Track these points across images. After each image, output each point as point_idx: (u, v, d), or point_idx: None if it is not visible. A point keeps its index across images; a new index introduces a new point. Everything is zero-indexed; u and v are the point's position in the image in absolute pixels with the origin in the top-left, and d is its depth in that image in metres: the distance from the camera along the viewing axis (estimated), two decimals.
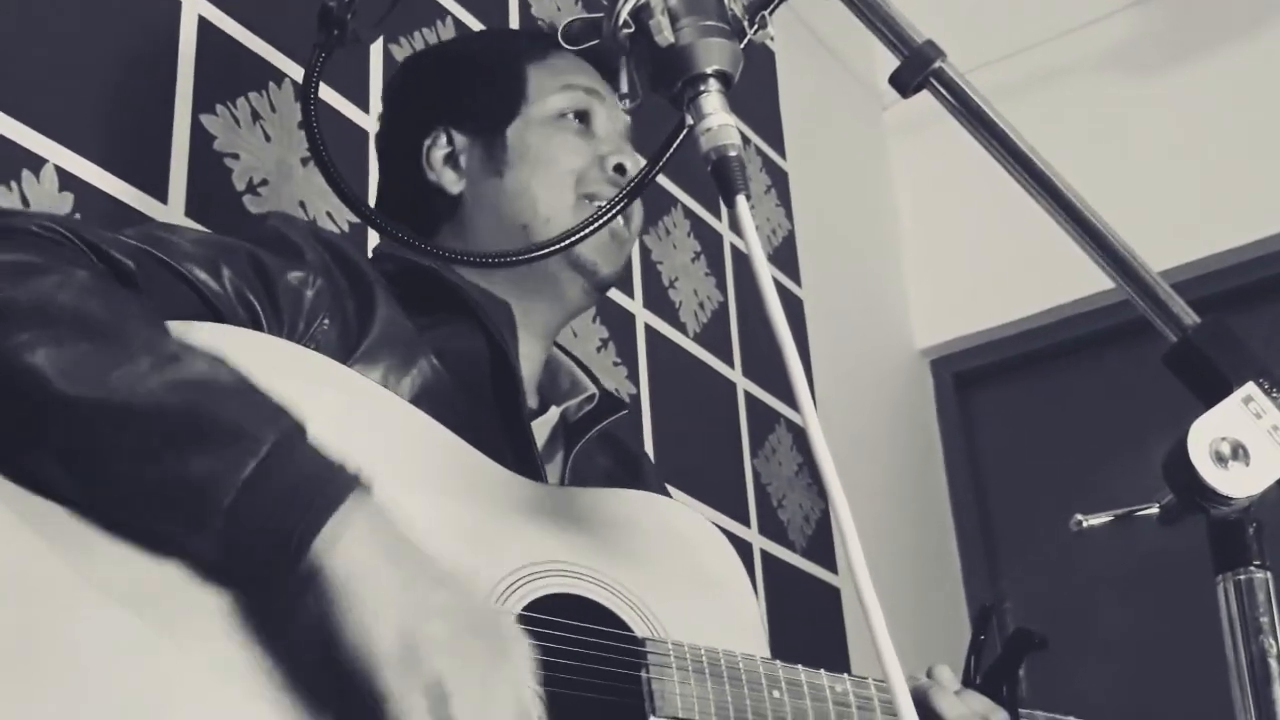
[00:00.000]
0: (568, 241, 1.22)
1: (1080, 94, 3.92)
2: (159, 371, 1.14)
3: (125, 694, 1.08)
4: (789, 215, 3.61)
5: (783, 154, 3.67)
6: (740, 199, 0.99)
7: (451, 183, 1.74)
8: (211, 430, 1.12)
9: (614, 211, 1.20)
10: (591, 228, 1.21)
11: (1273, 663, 0.97)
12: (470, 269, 1.65)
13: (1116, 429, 3.67)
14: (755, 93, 3.61)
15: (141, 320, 1.20)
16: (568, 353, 1.83)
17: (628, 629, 1.42)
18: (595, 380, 1.78)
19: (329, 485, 1.13)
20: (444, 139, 1.76)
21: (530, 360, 1.69)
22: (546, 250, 1.22)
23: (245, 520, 1.10)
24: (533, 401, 1.70)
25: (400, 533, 1.16)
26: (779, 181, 3.62)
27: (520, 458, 1.51)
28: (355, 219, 2.22)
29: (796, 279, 3.53)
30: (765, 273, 0.92)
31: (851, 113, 4.18)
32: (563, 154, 1.71)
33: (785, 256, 3.53)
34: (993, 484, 3.99)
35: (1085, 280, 3.63)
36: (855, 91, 4.18)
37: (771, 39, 1.10)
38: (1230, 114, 3.72)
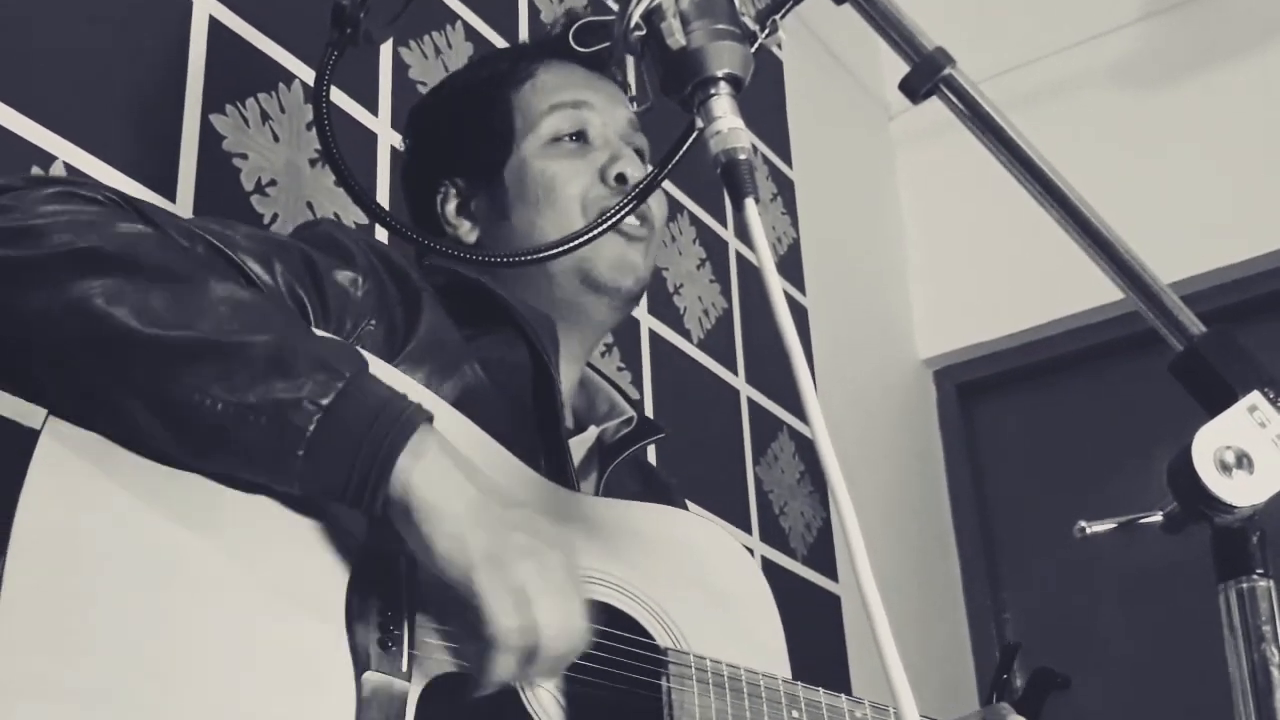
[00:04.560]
0: (570, 246, 1.23)
1: (1088, 107, 3.93)
2: (238, 312, 1.20)
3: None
4: (794, 224, 3.61)
5: (789, 163, 3.67)
6: (749, 202, 0.99)
7: (467, 232, 1.75)
8: (294, 362, 1.17)
9: (620, 215, 1.20)
10: (592, 234, 1.21)
11: (1275, 672, 0.97)
12: (511, 287, 1.66)
13: (1118, 441, 3.68)
14: (763, 101, 3.61)
15: (216, 270, 1.26)
16: (605, 376, 1.84)
17: (650, 638, 1.43)
18: (633, 403, 1.79)
19: (404, 413, 1.19)
20: (452, 191, 1.76)
21: (566, 380, 1.69)
22: (554, 252, 1.23)
23: (326, 448, 1.16)
24: (569, 422, 1.70)
25: (467, 459, 1.23)
26: (785, 190, 3.62)
27: (555, 468, 1.52)
28: (363, 220, 2.22)
29: (801, 288, 3.54)
30: (773, 273, 0.92)
31: (858, 123, 4.18)
32: (561, 180, 1.69)
33: (790, 265, 3.54)
34: (994, 495, 3.99)
35: (1089, 292, 3.66)
36: (862, 102, 4.19)
37: (780, 45, 1.11)
38: (1239, 128, 3.72)
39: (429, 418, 1.22)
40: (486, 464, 1.39)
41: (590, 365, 1.80)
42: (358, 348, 1.27)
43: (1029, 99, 3.87)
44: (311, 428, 1.15)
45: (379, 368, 1.36)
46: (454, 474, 1.20)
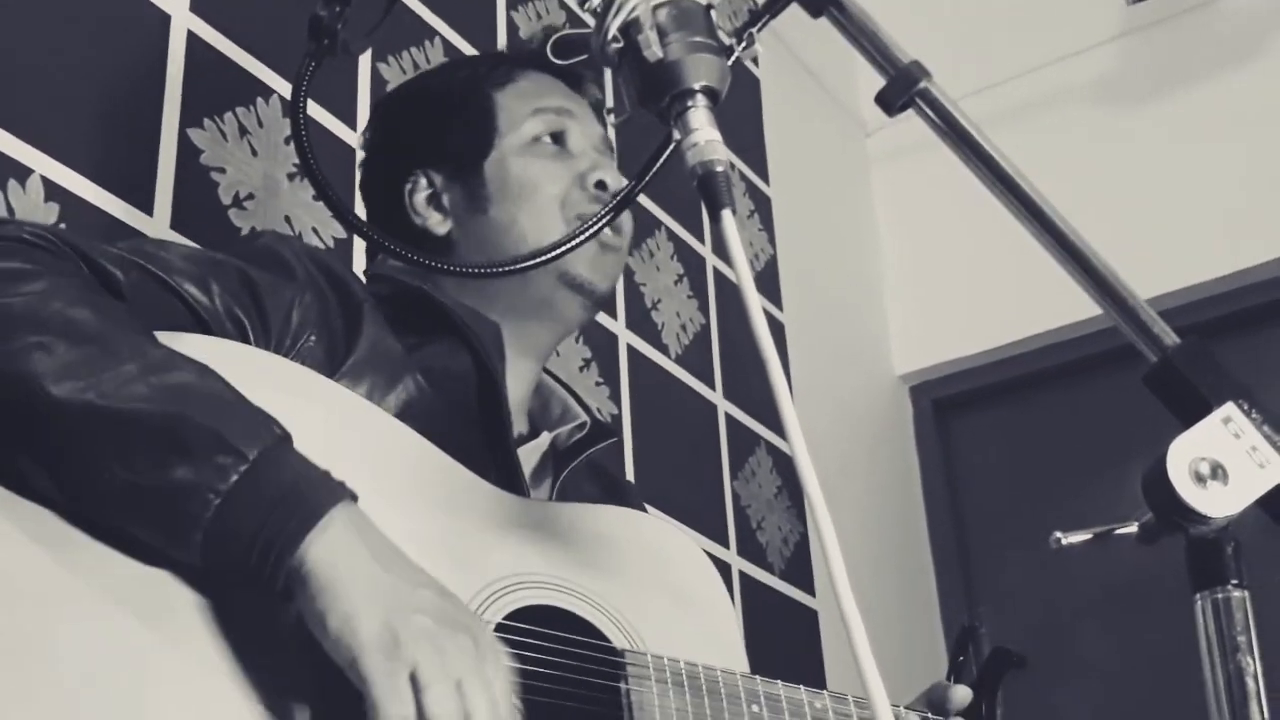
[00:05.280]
0: (553, 255, 1.22)
1: (1067, 123, 3.95)
2: (145, 377, 1.15)
3: (106, 694, 1.08)
4: (771, 240, 3.62)
5: (766, 179, 3.68)
6: (726, 213, 0.99)
7: (437, 224, 1.73)
8: (196, 441, 1.12)
9: (600, 225, 1.20)
10: (576, 241, 1.21)
11: (1250, 681, 0.98)
12: (465, 292, 1.66)
13: (1094, 456, 3.69)
14: (740, 118, 3.62)
15: (130, 328, 1.21)
16: (559, 380, 1.84)
17: (607, 641, 1.42)
18: (586, 408, 1.79)
19: (313, 496, 1.14)
20: (424, 181, 1.75)
21: (521, 382, 1.69)
22: (533, 262, 1.22)
23: (225, 533, 1.11)
24: (523, 426, 1.70)
25: (384, 539, 1.17)
26: (762, 206, 3.63)
27: (505, 475, 1.51)
28: (341, 235, 2.22)
29: (778, 303, 3.54)
30: (750, 284, 0.92)
31: (835, 140, 4.20)
32: (543, 180, 1.70)
33: (767, 281, 3.54)
34: (970, 510, 4.00)
35: (1064, 308, 3.68)
36: (839, 118, 4.20)
37: (756, 59, 1.11)
38: (1218, 144, 3.75)
39: (348, 496, 1.17)
40: (435, 478, 1.38)
41: (547, 370, 1.80)
42: (273, 418, 1.20)
43: (1007, 115, 3.89)
44: (209, 515, 1.11)
45: (321, 384, 1.35)
46: (357, 552, 1.14)
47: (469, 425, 1.54)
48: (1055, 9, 4.08)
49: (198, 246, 1.44)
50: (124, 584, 1.14)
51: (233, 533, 1.11)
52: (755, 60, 1.14)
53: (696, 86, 1.04)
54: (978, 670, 1.79)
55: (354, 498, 1.17)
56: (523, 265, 1.26)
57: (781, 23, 1.21)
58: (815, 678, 3.14)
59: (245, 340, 1.37)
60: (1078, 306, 3.73)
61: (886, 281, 4.19)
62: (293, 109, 1.22)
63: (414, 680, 1.10)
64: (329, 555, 1.12)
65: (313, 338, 1.43)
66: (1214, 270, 3.68)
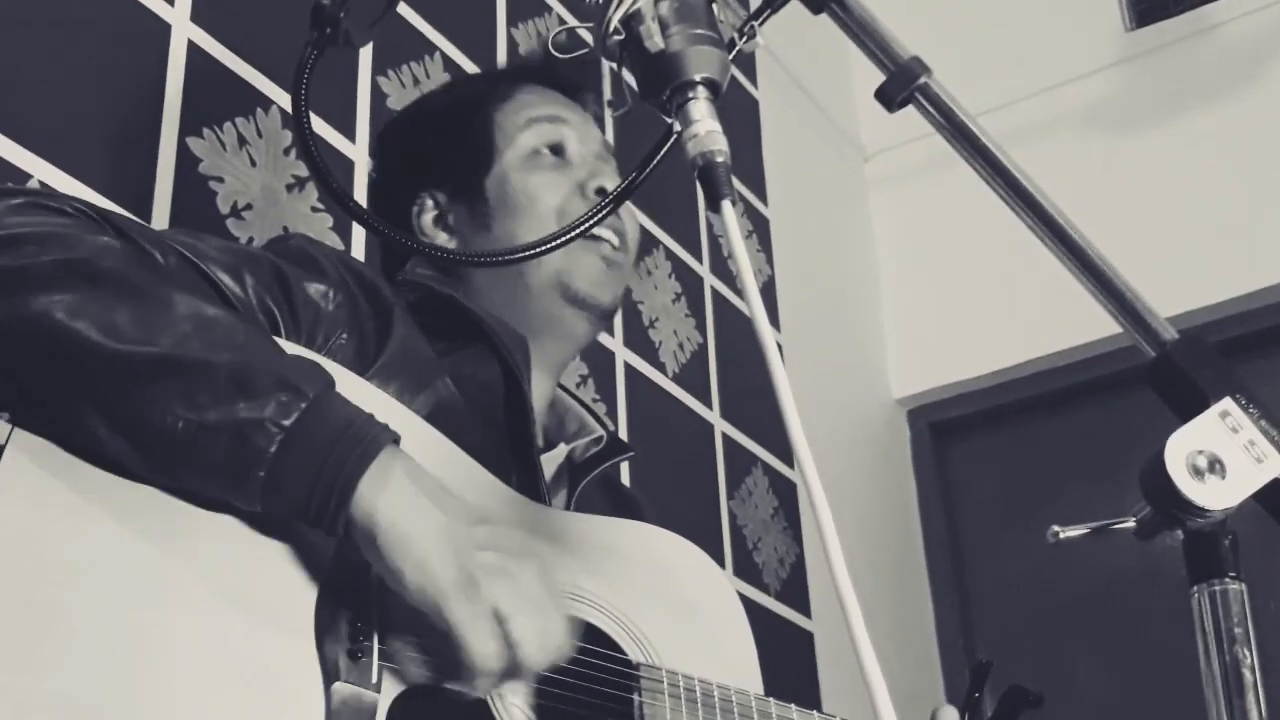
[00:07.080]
0: (548, 247, 1.22)
1: (1063, 150, 3.95)
2: (202, 330, 1.19)
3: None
4: (769, 261, 3.63)
5: (764, 201, 3.69)
6: (726, 204, 1.00)
7: (444, 244, 1.76)
8: (257, 381, 1.16)
9: (603, 214, 1.21)
10: (577, 231, 1.21)
11: (1246, 673, 0.98)
12: (496, 300, 1.68)
13: (1090, 480, 3.69)
14: (739, 139, 3.62)
15: (181, 286, 1.25)
16: (573, 395, 1.84)
17: (622, 653, 1.43)
18: (603, 423, 1.79)
19: (368, 434, 1.19)
20: (429, 203, 1.78)
21: (538, 397, 1.69)
22: (534, 251, 1.23)
23: (288, 469, 1.15)
24: (539, 440, 1.70)
25: (434, 480, 1.22)
26: (760, 227, 3.64)
27: (527, 484, 1.52)
28: (340, 247, 2.22)
29: (775, 325, 3.54)
30: (748, 269, 0.92)
31: (833, 163, 4.20)
32: (541, 192, 1.72)
33: (765, 302, 3.52)
34: (967, 534, 4.00)
35: (1061, 333, 3.68)
36: (837, 142, 4.21)
37: (757, 48, 1.11)
38: (1213, 169, 3.76)
39: (395, 438, 1.21)
40: (459, 479, 1.38)
41: (560, 385, 1.80)
42: (325, 363, 1.26)
43: (1007, 141, 3.87)
44: (273, 449, 1.15)
45: (350, 381, 1.35)
46: (419, 498, 1.19)
47: (495, 432, 1.55)
48: (1054, 35, 4.09)
49: (230, 240, 1.45)
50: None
51: (295, 469, 1.15)
52: (758, 48, 1.15)
53: (697, 78, 1.05)
54: (994, 707, 1.79)
55: (398, 439, 1.21)
56: (509, 258, 1.29)
57: (780, 46, 1.22)
58: (810, 700, 3.12)
59: (275, 333, 1.39)
60: (1075, 331, 3.76)
61: (884, 305, 4.19)
62: (295, 97, 1.22)
63: (497, 613, 1.17)
64: (391, 503, 1.17)
65: (344, 336, 1.45)
66: (1214, 295, 3.68)
